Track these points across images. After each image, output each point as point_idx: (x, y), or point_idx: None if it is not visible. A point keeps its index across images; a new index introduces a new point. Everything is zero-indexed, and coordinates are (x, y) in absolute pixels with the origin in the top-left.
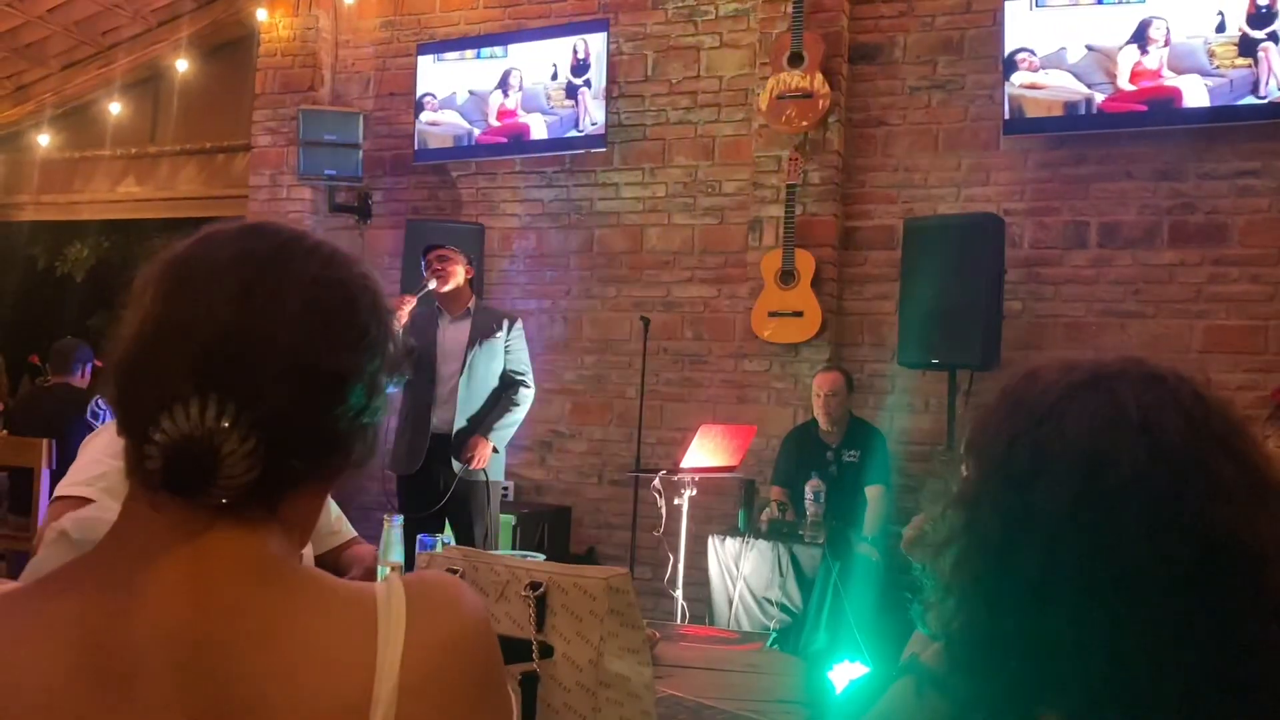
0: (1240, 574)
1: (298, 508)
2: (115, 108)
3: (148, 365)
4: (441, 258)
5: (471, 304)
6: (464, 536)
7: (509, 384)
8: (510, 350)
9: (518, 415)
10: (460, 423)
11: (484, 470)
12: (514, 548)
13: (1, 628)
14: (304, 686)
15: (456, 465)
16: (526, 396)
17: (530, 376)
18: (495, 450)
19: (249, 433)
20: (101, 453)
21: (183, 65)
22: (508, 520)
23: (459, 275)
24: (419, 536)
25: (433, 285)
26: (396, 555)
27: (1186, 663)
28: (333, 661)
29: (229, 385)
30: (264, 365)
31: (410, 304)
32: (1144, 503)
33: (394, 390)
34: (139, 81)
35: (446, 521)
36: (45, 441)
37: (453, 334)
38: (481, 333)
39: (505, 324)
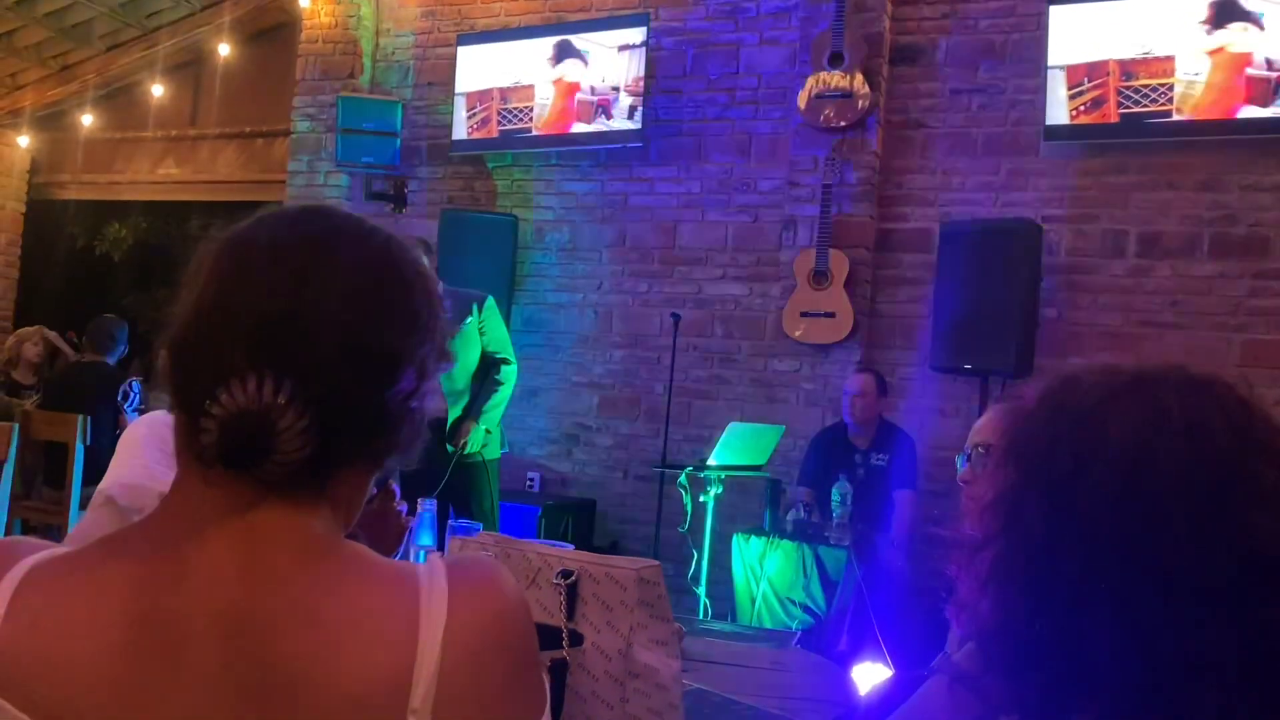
0: (1278, 579)
1: (345, 487)
2: (158, 90)
3: (205, 341)
4: None
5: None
6: (464, 516)
7: (490, 364)
8: (485, 331)
9: (505, 393)
10: (455, 413)
11: (480, 452)
12: (539, 537)
13: (54, 593)
14: (347, 663)
15: (449, 448)
16: (510, 373)
17: (511, 352)
18: (488, 431)
19: (304, 409)
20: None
21: (225, 49)
22: (532, 511)
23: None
24: (449, 523)
25: None
26: (428, 539)
27: (1225, 671)
28: (376, 639)
29: (285, 362)
30: (319, 343)
31: None
32: (1186, 507)
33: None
34: (181, 64)
35: (450, 506)
36: (80, 417)
37: None
38: (453, 321)
39: (474, 308)
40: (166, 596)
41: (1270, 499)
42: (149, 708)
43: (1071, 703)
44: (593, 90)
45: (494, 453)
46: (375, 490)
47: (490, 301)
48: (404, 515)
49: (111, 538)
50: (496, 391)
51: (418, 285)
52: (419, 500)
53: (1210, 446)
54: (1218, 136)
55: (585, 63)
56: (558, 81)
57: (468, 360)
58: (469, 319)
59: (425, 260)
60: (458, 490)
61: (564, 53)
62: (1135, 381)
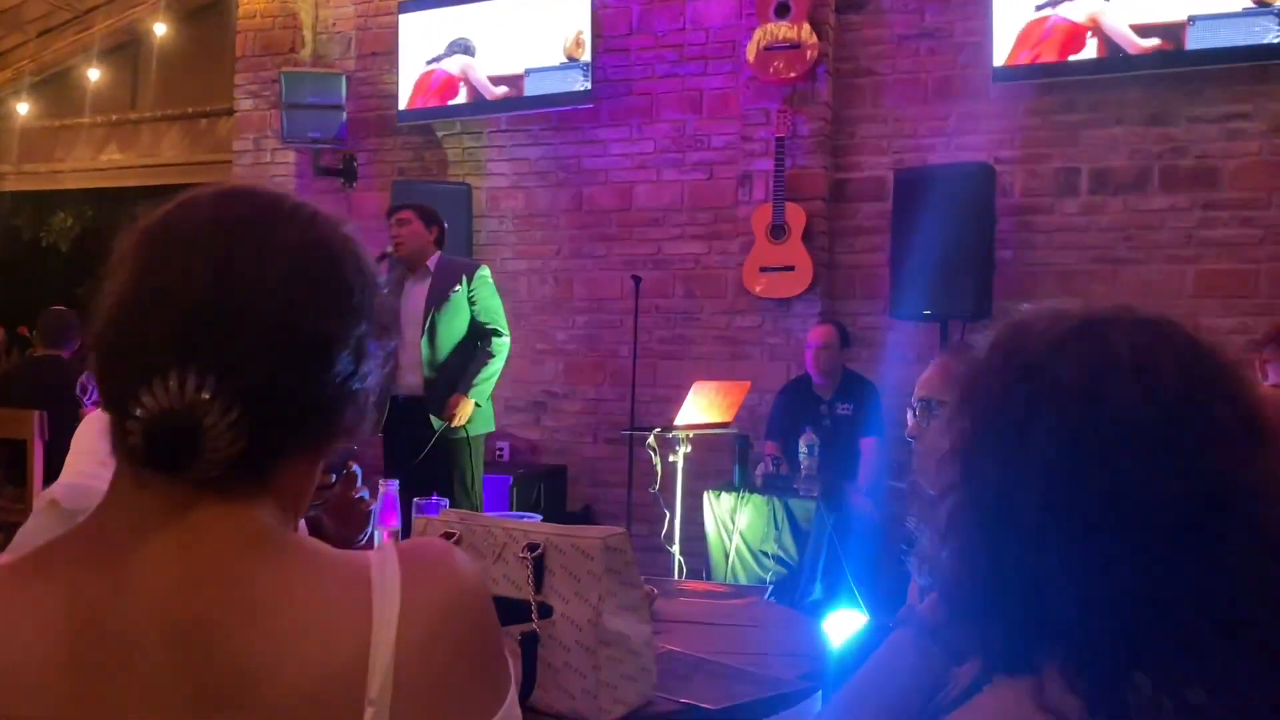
0: (1234, 513)
1: (289, 478)
2: (94, 74)
3: (127, 338)
4: (399, 220)
5: (432, 262)
6: (445, 493)
7: (480, 335)
8: (475, 301)
9: (496, 366)
10: (428, 373)
11: (464, 427)
12: (511, 508)
13: None
14: (300, 657)
15: (436, 422)
16: (501, 345)
17: (503, 323)
18: (477, 405)
19: (231, 403)
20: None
21: (161, 29)
22: (503, 480)
23: (419, 235)
24: (415, 501)
25: (389, 250)
26: (392, 520)
27: (1185, 603)
28: (328, 631)
29: (210, 355)
30: (245, 333)
31: (384, 270)
32: (1139, 445)
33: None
34: (117, 47)
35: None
36: (37, 413)
37: (415, 296)
38: (438, 293)
39: (464, 277)
40: (109, 604)
41: (1220, 434)
42: None
43: (1036, 645)
44: (539, 52)
45: (480, 429)
46: (336, 476)
47: (483, 271)
48: (366, 500)
49: (49, 546)
50: (487, 364)
51: (348, 262)
52: (380, 481)
53: (1160, 385)
54: (1164, 70)
55: (531, 24)
56: (502, 45)
57: (452, 330)
58: (457, 288)
59: (357, 234)
60: (439, 466)
61: (508, 15)
62: (1083, 324)
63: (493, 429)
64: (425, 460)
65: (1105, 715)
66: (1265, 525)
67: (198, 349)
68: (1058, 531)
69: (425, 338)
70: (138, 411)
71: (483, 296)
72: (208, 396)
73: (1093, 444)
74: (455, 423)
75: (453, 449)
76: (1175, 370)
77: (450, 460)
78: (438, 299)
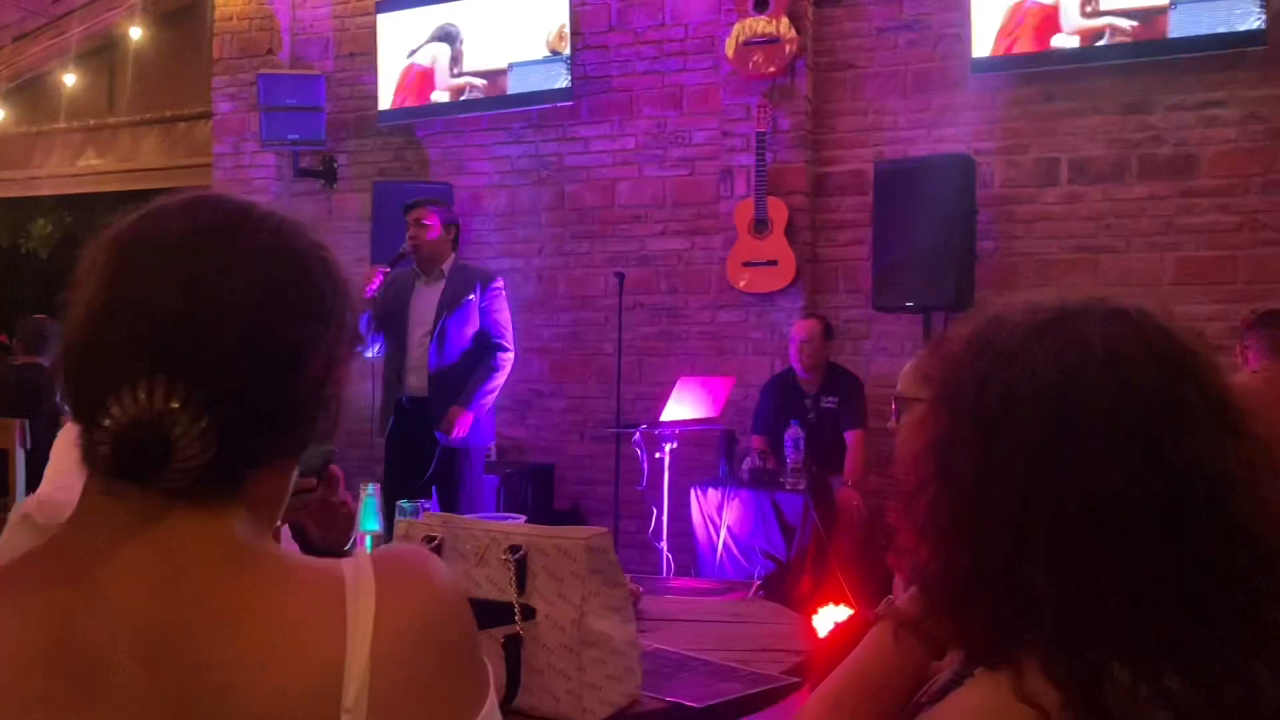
0: (1209, 502)
1: (262, 486)
2: (70, 79)
3: (95, 348)
4: (419, 220)
5: (448, 265)
6: (448, 502)
7: (486, 347)
8: (486, 312)
9: (496, 381)
10: (434, 376)
11: (464, 439)
12: (499, 508)
13: None
14: (275, 669)
15: (440, 436)
16: (504, 361)
17: (509, 339)
18: (476, 419)
19: (200, 412)
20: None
21: (137, 33)
22: (490, 482)
23: (437, 233)
24: (398, 503)
25: (407, 250)
26: (373, 524)
27: (1160, 592)
28: (303, 640)
29: (179, 365)
30: (215, 342)
31: (378, 276)
32: (1113, 435)
33: (375, 356)
34: (93, 51)
35: (434, 489)
36: (18, 422)
37: (426, 297)
38: (452, 298)
39: (479, 286)
40: (81, 619)
41: (1194, 423)
42: None
43: (1016, 638)
44: (518, 50)
45: (481, 440)
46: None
47: (498, 283)
48: (350, 504)
49: (17, 562)
50: (489, 378)
51: (316, 269)
52: (361, 484)
53: (1134, 375)
54: (1143, 58)
55: (510, 23)
56: (482, 44)
57: (461, 336)
58: (470, 296)
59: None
60: (442, 477)
61: (487, 13)
62: (1057, 317)
63: (492, 441)
64: (423, 472)
65: (1083, 705)
66: (1239, 513)
67: (167, 358)
68: (1035, 524)
69: (435, 342)
70: (106, 421)
71: (493, 308)
72: (177, 405)
73: (1068, 436)
74: (454, 434)
75: (453, 460)
76: (1148, 361)
77: (452, 471)
78: (450, 304)
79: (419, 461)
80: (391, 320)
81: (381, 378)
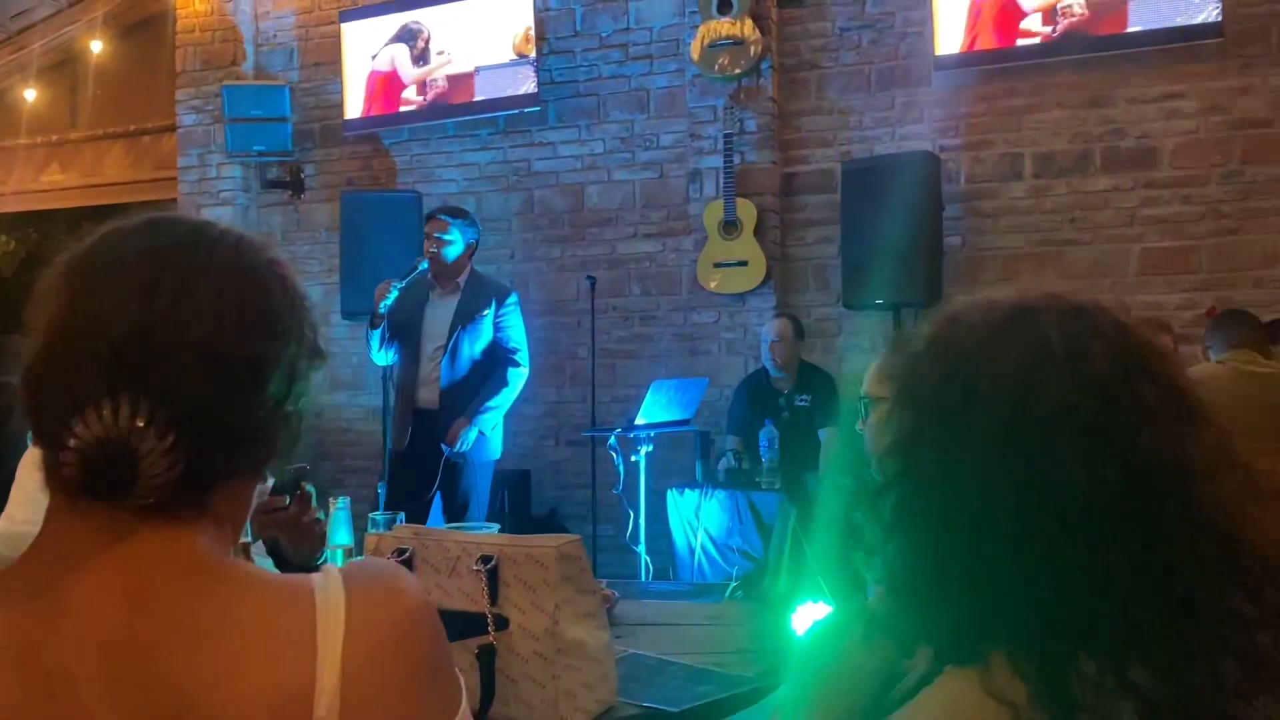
0: (1170, 493)
1: (226, 502)
2: (31, 94)
3: (57, 369)
4: (439, 231)
5: (463, 278)
6: (450, 515)
7: (499, 361)
8: (501, 327)
9: (507, 397)
10: (445, 390)
11: (469, 453)
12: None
13: None
14: (244, 684)
15: (444, 447)
16: (517, 377)
17: (524, 355)
18: (482, 433)
19: (166, 430)
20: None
21: (98, 46)
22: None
23: (459, 250)
24: (370, 515)
25: (423, 265)
26: (344, 538)
27: (1124, 585)
28: (272, 657)
29: (141, 383)
30: (176, 360)
31: (389, 290)
32: (1073, 431)
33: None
34: (54, 65)
35: (437, 497)
36: None
37: (440, 311)
38: (466, 313)
39: (494, 302)
40: (47, 638)
41: (1152, 416)
42: None
43: (984, 633)
44: (483, 57)
45: (486, 455)
46: (290, 497)
47: (513, 298)
48: (323, 521)
49: None
50: (499, 393)
51: (274, 287)
52: (331, 498)
53: (1091, 370)
54: (1104, 53)
55: (474, 29)
56: (447, 51)
57: (474, 351)
58: (485, 312)
59: (284, 259)
60: (447, 490)
61: (451, 20)
62: (1015, 314)
63: (499, 455)
64: (430, 484)
65: (1050, 699)
66: (1201, 505)
67: (129, 377)
68: (999, 520)
69: (448, 357)
70: (71, 442)
71: (511, 324)
72: (142, 423)
73: (1029, 432)
74: (456, 448)
75: (458, 472)
76: (1106, 356)
77: (455, 484)
78: (464, 319)
79: (427, 474)
80: (404, 333)
81: (397, 389)
